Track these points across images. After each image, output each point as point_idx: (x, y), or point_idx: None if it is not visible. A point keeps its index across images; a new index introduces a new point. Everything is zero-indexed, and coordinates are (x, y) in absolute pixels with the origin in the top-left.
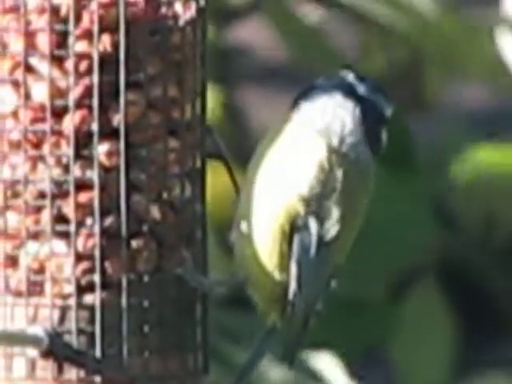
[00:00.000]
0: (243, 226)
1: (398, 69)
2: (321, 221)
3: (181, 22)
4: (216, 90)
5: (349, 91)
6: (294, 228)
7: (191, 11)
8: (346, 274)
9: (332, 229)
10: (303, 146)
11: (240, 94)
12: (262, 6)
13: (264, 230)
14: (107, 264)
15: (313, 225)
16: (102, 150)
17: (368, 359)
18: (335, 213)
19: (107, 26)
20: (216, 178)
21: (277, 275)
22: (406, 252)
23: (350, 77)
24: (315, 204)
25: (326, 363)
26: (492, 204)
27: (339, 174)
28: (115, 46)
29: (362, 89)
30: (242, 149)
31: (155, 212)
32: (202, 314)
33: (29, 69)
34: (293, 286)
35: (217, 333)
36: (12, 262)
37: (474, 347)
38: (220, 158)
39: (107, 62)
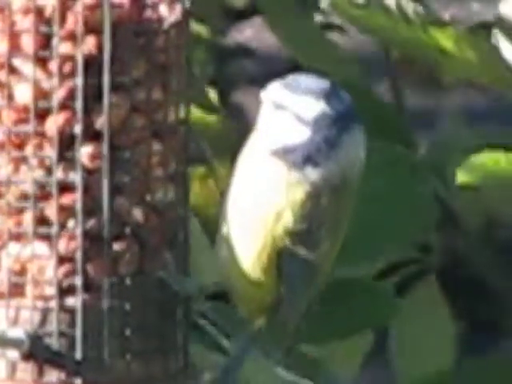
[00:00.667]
0: (227, 248)
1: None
2: (309, 246)
3: (166, 25)
4: (216, 90)
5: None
6: (282, 255)
7: (176, 13)
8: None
9: (321, 250)
10: (274, 178)
11: (240, 95)
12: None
13: (251, 256)
14: (89, 266)
15: (301, 251)
16: (85, 152)
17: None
18: (321, 237)
19: (92, 28)
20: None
21: (265, 291)
22: (407, 249)
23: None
24: (302, 234)
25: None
26: (493, 203)
27: (320, 201)
28: (100, 47)
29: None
30: (241, 149)
31: (138, 214)
32: (184, 316)
33: (12, 70)
34: (285, 301)
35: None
36: None
37: (475, 345)
38: (204, 162)
39: (91, 64)
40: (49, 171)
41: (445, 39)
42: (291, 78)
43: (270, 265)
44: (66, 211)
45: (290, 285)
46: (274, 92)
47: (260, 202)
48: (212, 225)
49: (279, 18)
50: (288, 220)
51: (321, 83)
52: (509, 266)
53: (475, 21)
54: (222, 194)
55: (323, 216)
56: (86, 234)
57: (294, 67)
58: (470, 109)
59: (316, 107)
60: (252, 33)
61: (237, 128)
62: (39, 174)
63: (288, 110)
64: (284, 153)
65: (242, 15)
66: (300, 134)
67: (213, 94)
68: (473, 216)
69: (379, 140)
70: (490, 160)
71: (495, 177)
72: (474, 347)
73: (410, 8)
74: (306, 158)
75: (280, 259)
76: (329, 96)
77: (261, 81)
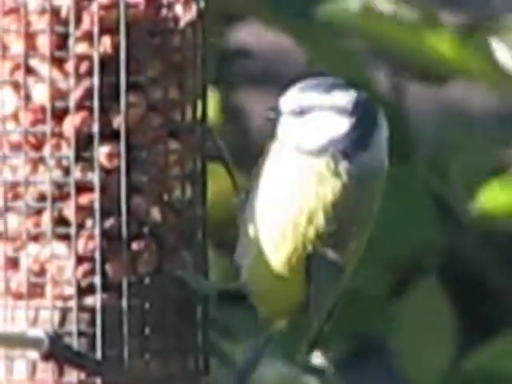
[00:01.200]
0: (255, 249)
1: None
2: (338, 249)
3: (181, 24)
4: (217, 91)
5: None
6: (311, 259)
7: (191, 13)
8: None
9: (349, 251)
10: (307, 179)
11: (241, 96)
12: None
13: (281, 259)
14: (108, 266)
15: (331, 254)
16: (102, 151)
17: (368, 355)
18: (350, 238)
19: (108, 28)
20: (216, 181)
21: (293, 292)
22: (407, 248)
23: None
24: (332, 237)
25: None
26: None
27: (350, 198)
28: (116, 47)
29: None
30: (243, 151)
31: (156, 214)
32: (203, 316)
33: (29, 70)
34: (312, 303)
35: (216, 331)
36: (13, 264)
37: (475, 343)
38: (220, 160)
39: (108, 64)
40: (66, 171)
41: (440, 43)
42: (305, 83)
43: (299, 267)
44: (84, 211)
45: (317, 286)
46: (295, 98)
47: (292, 204)
48: (222, 224)
49: (289, 18)
50: (320, 222)
51: (334, 80)
52: (508, 265)
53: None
54: (237, 193)
55: (353, 214)
56: (105, 234)
57: (295, 68)
58: (470, 107)
59: (348, 97)
60: (251, 33)
61: (237, 127)
62: (57, 174)
63: (321, 108)
64: (329, 145)
65: (240, 16)
66: (341, 125)
67: (214, 95)
68: (472, 214)
69: None
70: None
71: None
72: (475, 344)
73: (405, 12)
74: (356, 143)
75: (309, 262)
76: (350, 87)
77: (261, 81)
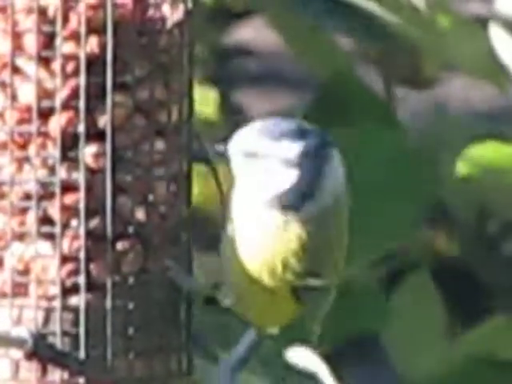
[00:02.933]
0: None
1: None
2: (320, 274)
3: (168, 24)
4: (216, 90)
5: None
6: (297, 290)
7: (179, 13)
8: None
9: (330, 268)
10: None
11: (240, 95)
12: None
13: (265, 300)
14: (92, 266)
15: (314, 282)
16: (88, 151)
17: (360, 349)
18: (329, 261)
19: (95, 28)
20: (201, 182)
21: (285, 314)
22: (396, 241)
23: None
24: (312, 269)
25: (307, 359)
26: (485, 195)
27: (312, 239)
28: (102, 47)
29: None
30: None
31: (141, 214)
32: (186, 316)
33: (15, 70)
34: (307, 314)
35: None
36: None
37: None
38: (206, 163)
39: (94, 64)
40: (52, 171)
41: (444, 20)
42: (259, 125)
43: (286, 297)
44: (69, 211)
45: (310, 304)
46: (247, 141)
47: (265, 255)
48: (211, 224)
49: (279, 16)
50: (296, 264)
51: (289, 124)
52: (501, 259)
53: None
54: (223, 193)
55: (327, 244)
56: (89, 234)
57: (292, 67)
58: (465, 103)
59: (295, 147)
60: (251, 32)
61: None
62: (42, 173)
63: (267, 157)
64: (279, 198)
65: (240, 14)
66: (288, 176)
67: (213, 93)
68: (466, 209)
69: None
70: (490, 150)
71: (495, 167)
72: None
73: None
74: (302, 195)
75: (295, 292)
76: (302, 134)
77: (261, 80)
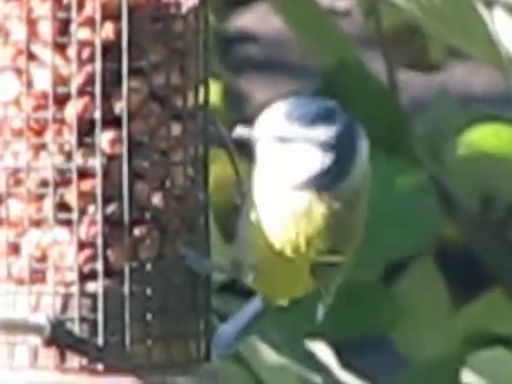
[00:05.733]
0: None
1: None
2: (338, 252)
3: (183, 10)
4: (220, 77)
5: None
6: (316, 267)
7: None
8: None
9: (348, 250)
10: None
11: (244, 82)
12: None
13: (286, 276)
14: (110, 252)
15: (333, 258)
16: (104, 137)
17: (368, 341)
18: (349, 241)
19: (110, 14)
20: (218, 166)
21: (299, 290)
22: (408, 239)
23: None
24: (332, 247)
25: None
26: (488, 180)
27: (338, 221)
28: (118, 33)
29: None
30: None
31: (158, 199)
32: (205, 301)
33: (31, 56)
34: (322, 289)
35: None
36: (14, 249)
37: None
38: (222, 147)
39: (109, 50)
40: (68, 157)
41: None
42: (283, 108)
43: (305, 271)
44: (86, 197)
45: (325, 280)
46: (275, 126)
47: (291, 234)
48: (223, 209)
49: (282, 2)
50: (320, 243)
51: (314, 105)
52: (505, 246)
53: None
54: (238, 180)
55: (351, 224)
56: (107, 220)
57: (297, 54)
58: (468, 89)
59: (329, 131)
60: (255, 19)
61: (240, 114)
62: (59, 160)
63: (299, 141)
64: (315, 180)
65: (244, 1)
66: (324, 158)
67: (217, 81)
68: (469, 197)
69: (375, 120)
70: (490, 132)
71: (495, 149)
72: None
73: None
74: (337, 177)
75: (314, 269)
76: (331, 114)
77: (264, 67)
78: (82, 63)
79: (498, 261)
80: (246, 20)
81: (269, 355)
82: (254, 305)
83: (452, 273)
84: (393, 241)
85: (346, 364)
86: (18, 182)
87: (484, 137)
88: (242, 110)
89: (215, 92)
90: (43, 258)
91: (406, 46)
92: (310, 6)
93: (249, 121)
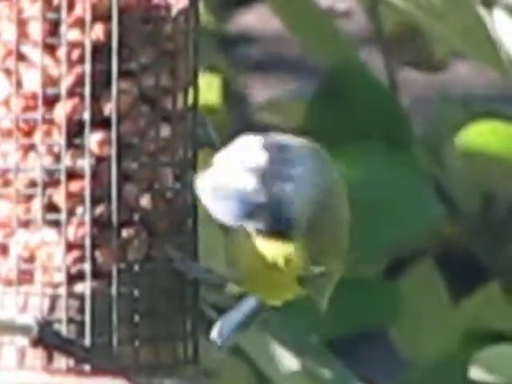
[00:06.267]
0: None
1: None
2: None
3: (173, 12)
4: (219, 77)
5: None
6: (302, 281)
7: (184, 0)
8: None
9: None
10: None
11: (244, 82)
12: None
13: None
14: (98, 253)
15: (317, 269)
16: (93, 138)
17: (369, 338)
18: (330, 252)
19: (100, 15)
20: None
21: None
22: (407, 233)
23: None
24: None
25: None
26: (487, 180)
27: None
28: (108, 34)
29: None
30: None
31: (146, 201)
32: (193, 303)
33: (21, 57)
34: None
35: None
36: (2, 250)
37: None
38: (211, 148)
39: (99, 51)
40: (57, 158)
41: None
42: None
43: (291, 285)
44: (75, 198)
45: (315, 289)
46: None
47: (260, 260)
48: None
49: (282, 2)
50: (296, 264)
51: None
52: (505, 246)
53: None
54: None
55: (324, 239)
56: (95, 221)
57: (297, 53)
58: (468, 89)
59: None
60: (255, 18)
61: (239, 113)
62: (47, 161)
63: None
64: (250, 218)
65: (244, 1)
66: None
67: (216, 81)
68: (469, 197)
69: (375, 120)
70: (487, 129)
71: (492, 146)
72: None
73: None
74: (271, 214)
75: (301, 280)
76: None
77: (264, 67)
78: (71, 64)
79: (497, 261)
80: (246, 20)
81: (275, 351)
82: (249, 302)
83: (452, 272)
84: (393, 234)
85: (343, 362)
86: (6, 183)
87: (481, 134)
88: (242, 110)
89: (215, 92)
90: (31, 259)
91: (409, 45)
92: (309, 6)
93: (249, 121)
